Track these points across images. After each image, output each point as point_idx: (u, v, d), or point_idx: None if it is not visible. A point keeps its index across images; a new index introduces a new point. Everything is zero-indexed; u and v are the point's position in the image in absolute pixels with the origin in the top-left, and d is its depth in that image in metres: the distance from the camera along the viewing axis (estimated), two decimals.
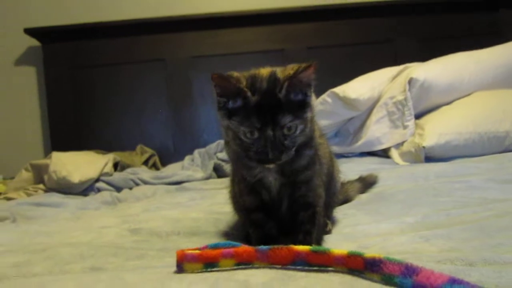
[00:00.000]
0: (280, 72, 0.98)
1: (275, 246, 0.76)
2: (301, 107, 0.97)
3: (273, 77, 0.96)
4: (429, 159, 2.22)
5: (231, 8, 3.28)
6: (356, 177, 1.62)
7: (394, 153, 2.37)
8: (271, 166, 0.98)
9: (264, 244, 0.83)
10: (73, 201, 2.06)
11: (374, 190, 1.57)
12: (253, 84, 0.95)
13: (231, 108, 0.96)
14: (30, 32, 3.18)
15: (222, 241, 0.96)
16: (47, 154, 3.13)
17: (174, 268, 0.73)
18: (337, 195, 1.29)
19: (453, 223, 1.04)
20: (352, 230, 1.13)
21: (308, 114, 0.98)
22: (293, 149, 0.97)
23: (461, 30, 3.35)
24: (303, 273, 0.70)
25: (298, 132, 0.96)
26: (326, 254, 0.72)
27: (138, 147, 3.04)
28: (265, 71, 0.98)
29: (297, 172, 1.03)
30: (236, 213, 1.22)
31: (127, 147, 3.09)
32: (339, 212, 1.31)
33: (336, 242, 1.02)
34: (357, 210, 1.31)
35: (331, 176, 1.20)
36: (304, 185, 1.04)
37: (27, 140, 3.34)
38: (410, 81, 2.38)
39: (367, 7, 3.30)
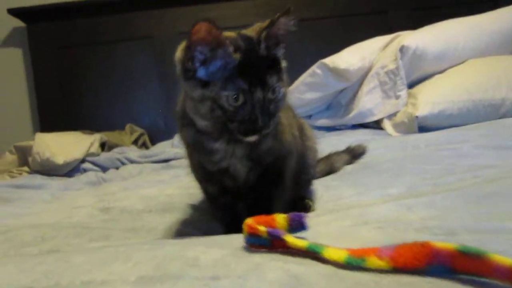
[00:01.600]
0: (250, 30, 0.89)
1: (403, 244, 0.54)
2: (279, 66, 0.87)
3: (245, 36, 0.87)
4: (423, 129, 2.15)
5: None
6: (344, 148, 1.56)
7: (387, 124, 2.30)
8: (254, 138, 0.85)
9: (236, 226, 0.73)
10: (56, 183, 2.00)
11: (362, 160, 1.50)
12: (231, 43, 0.83)
13: (205, 75, 0.83)
14: (14, 12, 3.10)
15: (192, 215, 0.91)
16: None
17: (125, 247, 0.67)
18: (313, 168, 1.19)
19: (438, 191, 0.98)
20: (335, 204, 1.07)
21: (285, 76, 0.89)
22: (277, 117, 0.87)
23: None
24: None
25: (281, 95, 0.86)
26: (481, 259, 0.50)
27: (128, 126, 2.98)
28: (231, 33, 0.88)
29: (264, 154, 0.93)
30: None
31: (118, 126, 3.02)
32: (323, 183, 1.25)
33: (316, 218, 0.95)
34: (341, 182, 1.25)
35: (303, 149, 1.10)
36: (273, 168, 0.94)
37: (15, 121, 3.27)
38: (402, 49, 2.30)
39: None
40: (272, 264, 0.56)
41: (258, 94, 0.82)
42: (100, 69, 3.18)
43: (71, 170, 2.29)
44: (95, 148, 2.43)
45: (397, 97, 2.31)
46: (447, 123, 2.14)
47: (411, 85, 2.39)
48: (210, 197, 1.03)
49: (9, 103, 3.27)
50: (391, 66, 2.32)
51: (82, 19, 3.19)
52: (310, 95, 2.47)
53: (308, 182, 1.18)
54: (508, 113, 2.16)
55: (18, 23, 3.19)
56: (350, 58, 2.40)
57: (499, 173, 1.04)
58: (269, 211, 0.75)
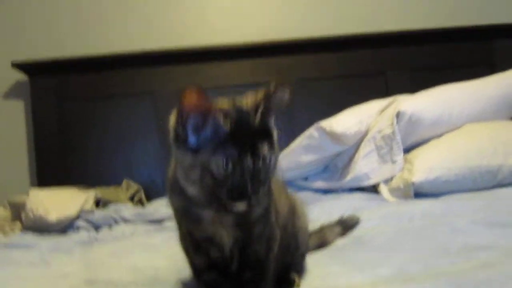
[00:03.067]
0: (243, 100, 0.89)
1: None
2: (272, 135, 0.88)
3: (238, 107, 0.87)
4: (419, 194, 2.14)
5: (218, 42, 3.24)
6: (337, 219, 1.54)
7: (383, 188, 2.30)
8: (243, 206, 0.84)
9: None
10: (46, 243, 1.96)
11: (354, 233, 1.48)
12: (221, 111, 0.84)
13: (196, 141, 0.84)
14: (18, 66, 3.14)
15: None
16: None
17: None
18: (304, 245, 1.18)
19: (429, 275, 0.96)
20: (322, 282, 1.05)
21: (277, 146, 0.89)
22: (267, 186, 0.88)
23: (454, 60, 3.30)
24: None
25: (272, 164, 0.86)
26: None
27: (124, 182, 2.97)
28: (225, 100, 0.89)
29: (253, 224, 0.92)
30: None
31: (116, 181, 3.01)
32: (312, 259, 1.22)
33: None
34: (331, 259, 1.22)
35: (293, 230, 1.10)
36: (257, 239, 0.93)
37: (13, 174, 3.27)
38: (398, 115, 2.32)
39: (357, 39, 3.25)
40: None
41: (248, 161, 0.82)
42: (100, 123, 3.20)
43: (65, 226, 2.27)
44: (90, 205, 2.41)
45: (393, 162, 2.31)
46: (443, 189, 2.13)
47: (407, 150, 2.39)
48: (196, 272, 1.01)
49: (8, 156, 3.28)
50: (388, 131, 2.33)
51: (84, 73, 3.23)
52: (307, 158, 2.47)
53: (301, 257, 1.16)
54: (505, 180, 2.16)
55: (21, 76, 3.23)
56: (347, 122, 2.41)
57: (493, 257, 1.03)
58: None
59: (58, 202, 2.33)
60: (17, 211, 2.37)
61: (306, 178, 2.57)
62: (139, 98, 3.22)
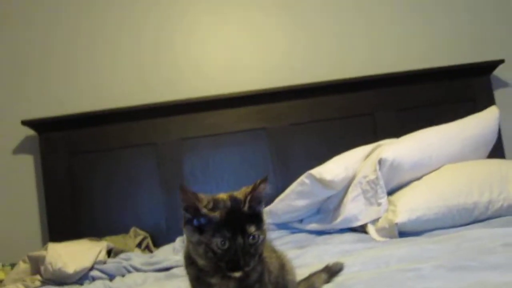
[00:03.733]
0: (238, 193, 1.16)
1: None
2: (260, 219, 1.13)
3: (233, 197, 1.14)
4: (403, 234, 2.36)
5: (213, 92, 3.48)
6: (323, 266, 1.74)
7: (371, 229, 2.51)
8: (238, 274, 1.08)
9: None
10: None
11: (338, 278, 1.68)
12: (216, 205, 1.10)
13: (197, 225, 1.10)
14: (27, 123, 3.37)
15: None
16: (45, 240, 3.30)
17: None
18: None
19: None
20: None
21: (264, 225, 1.14)
22: (257, 257, 1.12)
23: (438, 98, 3.53)
24: None
25: (260, 241, 1.11)
26: None
27: (132, 230, 3.16)
28: (224, 195, 1.15)
29: (252, 286, 1.15)
30: None
31: (123, 229, 3.20)
32: None
33: None
34: None
35: (284, 283, 1.31)
36: None
37: (26, 227, 3.47)
38: (380, 161, 2.55)
39: (346, 83, 3.49)
40: None
41: (239, 240, 1.07)
42: (107, 175, 3.41)
43: (81, 277, 2.48)
44: (103, 255, 2.62)
45: (379, 204, 2.53)
46: (425, 227, 2.37)
47: (391, 192, 2.62)
48: None
49: (19, 210, 3.49)
50: (372, 176, 2.56)
51: (90, 128, 3.45)
52: (300, 202, 2.69)
53: None
54: (481, 216, 2.41)
55: (30, 132, 3.46)
56: (335, 169, 2.64)
57: None
58: None
59: (75, 254, 2.54)
60: (36, 264, 2.57)
61: (301, 220, 2.79)
62: (142, 149, 3.44)
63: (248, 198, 1.11)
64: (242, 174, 3.38)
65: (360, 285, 1.52)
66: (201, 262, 1.12)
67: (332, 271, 1.71)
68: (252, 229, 1.09)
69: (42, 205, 3.44)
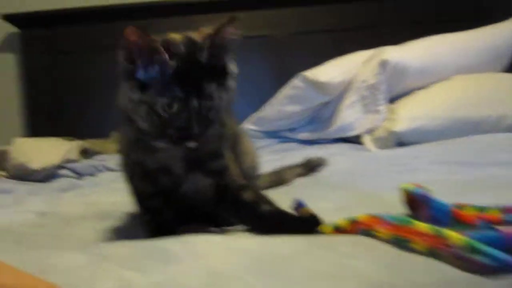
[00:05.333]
0: (196, 34, 0.86)
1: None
2: (225, 73, 0.86)
3: (190, 40, 0.85)
4: (402, 144, 2.12)
5: None
6: (302, 160, 1.53)
7: (366, 139, 2.28)
8: (193, 144, 0.83)
9: (163, 234, 0.79)
10: (25, 188, 1.99)
11: (318, 174, 1.47)
12: (168, 48, 0.81)
13: (144, 78, 0.82)
14: (9, 18, 3.14)
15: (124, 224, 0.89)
16: None
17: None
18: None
19: (364, 208, 0.94)
20: None
21: (232, 83, 0.88)
22: (216, 124, 0.87)
23: (450, 14, 3.19)
24: None
25: (221, 102, 0.85)
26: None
27: (113, 135, 2.97)
28: (178, 36, 0.86)
29: (206, 160, 0.93)
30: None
31: (106, 134, 3.02)
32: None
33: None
34: (282, 195, 1.19)
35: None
36: (218, 175, 0.94)
37: (6, 126, 3.30)
38: (382, 64, 2.28)
39: None
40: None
41: (194, 102, 0.81)
42: (93, 76, 3.19)
43: (48, 176, 2.29)
44: (74, 154, 2.42)
45: (377, 112, 2.28)
46: (426, 139, 2.10)
47: (392, 100, 2.36)
48: (140, 199, 1.01)
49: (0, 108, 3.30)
50: (372, 81, 2.30)
51: (76, 26, 3.21)
52: (291, 108, 2.44)
53: None
54: (490, 131, 2.13)
55: (13, 29, 3.22)
56: (331, 71, 2.38)
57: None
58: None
59: (42, 151, 2.35)
60: (2, 159, 2.39)
61: (292, 129, 2.55)
62: None
63: (208, 43, 0.83)
64: (237, 86, 3.12)
65: (338, 177, 1.31)
66: (142, 124, 0.85)
67: (311, 165, 1.50)
68: (211, 87, 0.82)
69: (24, 106, 3.27)
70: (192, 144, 0.84)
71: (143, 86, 0.82)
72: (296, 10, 3.21)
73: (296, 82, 2.41)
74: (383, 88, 2.28)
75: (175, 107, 0.80)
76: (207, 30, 0.86)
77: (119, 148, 1.02)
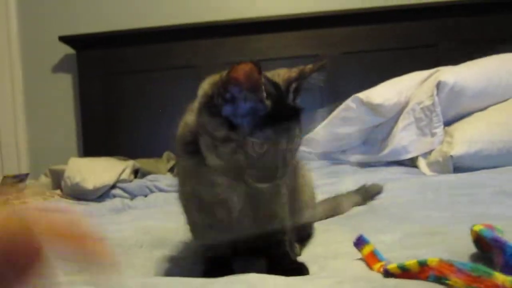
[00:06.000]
0: (275, 76, 0.84)
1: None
2: (300, 111, 0.84)
3: (273, 82, 0.82)
4: (459, 169, 2.02)
5: (264, 13, 3.19)
6: (358, 188, 1.48)
7: (421, 162, 2.21)
8: (266, 185, 0.82)
9: (218, 269, 0.80)
10: (79, 208, 2.02)
11: (374, 202, 1.42)
12: (266, 90, 0.78)
13: (231, 114, 0.79)
14: (65, 39, 3.23)
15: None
16: None
17: None
18: (301, 212, 1.08)
19: (429, 244, 0.90)
20: (323, 249, 1.01)
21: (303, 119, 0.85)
22: (291, 165, 0.85)
23: (508, 32, 3.11)
24: None
25: (299, 146, 0.84)
26: None
27: (165, 154, 2.99)
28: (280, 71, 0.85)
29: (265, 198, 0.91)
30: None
31: (157, 154, 3.05)
32: (321, 227, 1.18)
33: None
34: (340, 226, 1.18)
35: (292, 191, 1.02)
36: (269, 202, 0.92)
37: (62, 145, 3.37)
38: (438, 85, 2.21)
39: (407, 10, 3.13)
40: None
41: (283, 145, 0.79)
42: (144, 96, 3.25)
43: (101, 195, 2.32)
44: (127, 174, 2.45)
45: (433, 135, 2.21)
46: (484, 164, 2.01)
47: (449, 123, 2.28)
48: (196, 229, 0.99)
49: (57, 127, 3.40)
50: (427, 102, 2.23)
51: (129, 47, 3.27)
52: (344, 130, 2.40)
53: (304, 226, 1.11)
54: None
55: (69, 50, 3.31)
56: (386, 93, 2.33)
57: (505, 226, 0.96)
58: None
59: (96, 170, 2.39)
60: (57, 178, 2.45)
61: (344, 151, 2.50)
62: (182, 72, 3.21)
63: (293, 87, 0.81)
64: None
65: (397, 208, 1.26)
66: (215, 161, 0.82)
67: (368, 193, 1.45)
68: (297, 131, 0.81)
69: (80, 125, 3.34)
70: (266, 185, 0.82)
71: (230, 125, 0.78)
72: (349, 30, 3.17)
73: (349, 104, 2.37)
74: (439, 110, 2.21)
75: (265, 147, 0.78)
76: (290, 73, 0.84)
77: (176, 177, 1.00)
